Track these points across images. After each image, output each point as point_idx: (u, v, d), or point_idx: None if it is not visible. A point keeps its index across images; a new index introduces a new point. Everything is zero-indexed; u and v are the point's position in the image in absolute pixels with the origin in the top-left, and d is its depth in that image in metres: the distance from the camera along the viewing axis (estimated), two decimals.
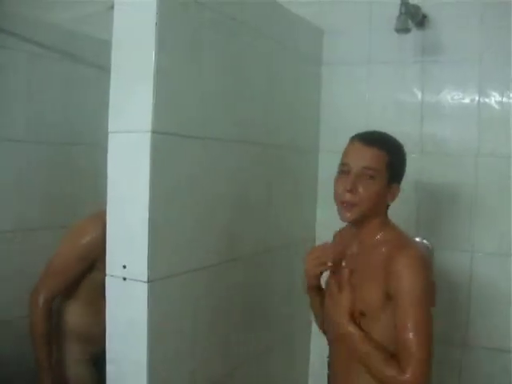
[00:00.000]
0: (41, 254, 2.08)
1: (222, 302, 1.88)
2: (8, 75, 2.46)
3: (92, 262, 1.97)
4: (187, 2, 1.62)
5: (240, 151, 1.92)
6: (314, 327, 2.33)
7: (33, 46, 2.53)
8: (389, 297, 1.55)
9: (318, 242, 2.40)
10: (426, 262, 1.60)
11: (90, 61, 2.75)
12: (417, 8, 2.24)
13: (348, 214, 1.62)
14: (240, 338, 2.00)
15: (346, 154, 1.67)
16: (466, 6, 2.24)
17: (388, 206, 1.68)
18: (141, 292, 1.51)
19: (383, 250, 1.61)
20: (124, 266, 1.54)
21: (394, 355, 1.52)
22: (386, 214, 1.69)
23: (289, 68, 2.25)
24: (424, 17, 2.30)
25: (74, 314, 2.08)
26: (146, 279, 1.51)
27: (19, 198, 2.52)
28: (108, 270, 1.58)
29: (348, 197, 1.60)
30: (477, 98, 2.24)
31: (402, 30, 2.16)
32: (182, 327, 1.68)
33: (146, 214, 1.49)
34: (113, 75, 1.58)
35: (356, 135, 1.68)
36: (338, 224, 1.75)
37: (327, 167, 2.48)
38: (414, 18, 2.24)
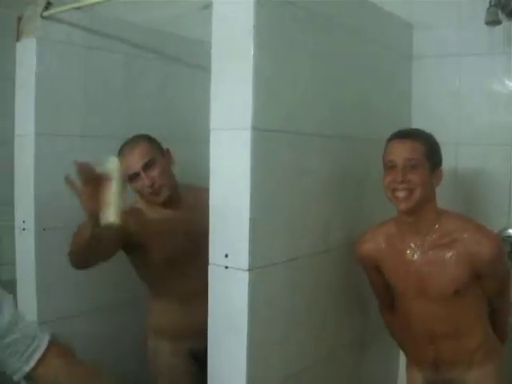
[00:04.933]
0: None
1: (317, 289, 1.94)
2: (105, 76, 2.58)
3: None
4: (281, 2, 1.68)
5: (335, 145, 1.98)
6: None
7: (128, 47, 2.64)
8: (478, 276, 1.79)
9: None
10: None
11: (183, 60, 2.85)
12: None
13: (404, 204, 1.78)
14: (334, 326, 2.05)
15: (388, 153, 1.83)
16: None
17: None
18: (242, 280, 1.59)
19: (462, 235, 1.78)
20: (226, 255, 1.62)
21: None
22: (435, 200, 1.84)
23: (380, 63, 2.28)
24: None
25: None
26: (247, 267, 1.58)
27: None
28: (211, 259, 1.67)
29: (401, 187, 1.76)
30: None
31: (492, 22, 2.13)
32: (280, 314, 1.75)
33: (247, 206, 1.57)
34: (213, 74, 1.65)
35: (392, 135, 1.85)
36: None
37: None
38: (504, 9, 2.19)
